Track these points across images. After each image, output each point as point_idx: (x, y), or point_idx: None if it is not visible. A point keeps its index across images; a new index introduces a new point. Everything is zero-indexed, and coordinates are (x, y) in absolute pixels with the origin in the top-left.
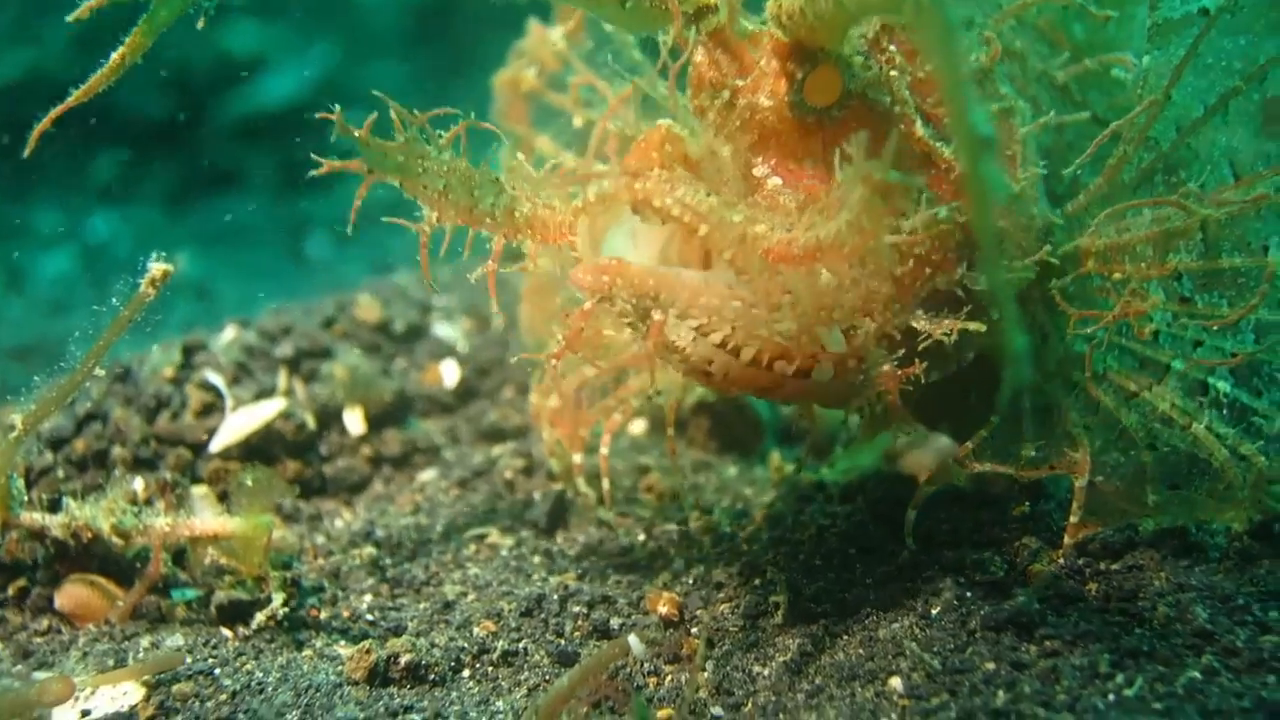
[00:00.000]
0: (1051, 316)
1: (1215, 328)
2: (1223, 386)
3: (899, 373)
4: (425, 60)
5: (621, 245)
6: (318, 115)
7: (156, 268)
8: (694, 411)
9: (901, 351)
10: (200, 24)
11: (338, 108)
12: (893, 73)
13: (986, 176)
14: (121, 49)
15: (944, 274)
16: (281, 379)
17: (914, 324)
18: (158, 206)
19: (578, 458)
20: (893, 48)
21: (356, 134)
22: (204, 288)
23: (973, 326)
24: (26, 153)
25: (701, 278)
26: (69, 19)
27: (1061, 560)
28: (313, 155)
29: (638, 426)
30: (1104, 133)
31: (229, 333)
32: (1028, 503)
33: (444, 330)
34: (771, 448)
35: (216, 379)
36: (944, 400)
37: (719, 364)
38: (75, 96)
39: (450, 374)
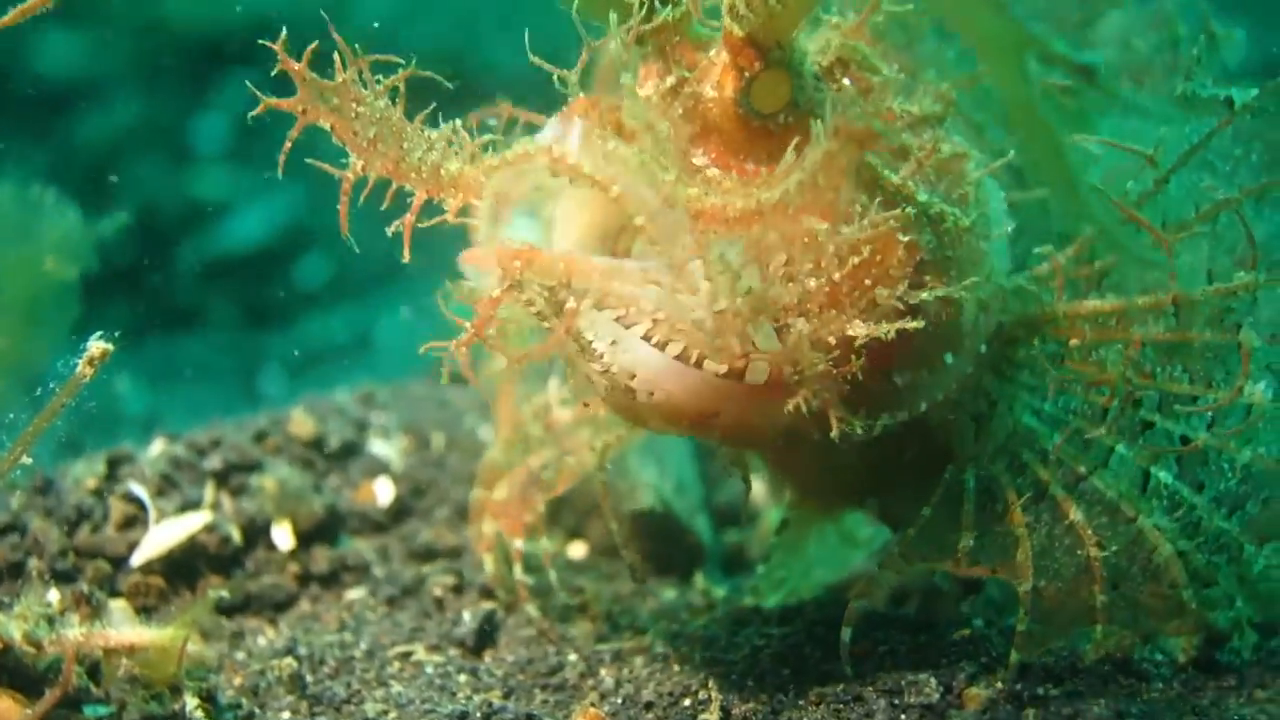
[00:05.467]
0: (999, 384)
1: (1169, 410)
2: (1164, 477)
3: (835, 371)
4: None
5: (524, 229)
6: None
7: (95, 346)
8: (632, 533)
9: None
10: None
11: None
12: None
13: None
14: None
15: (885, 286)
16: (209, 492)
17: (850, 331)
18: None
19: (518, 543)
20: (846, 81)
21: (295, 67)
22: (152, 422)
23: (912, 326)
24: None
25: (616, 263)
26: None
27: (1000, 684)
28: (254, 91)
29: (577, 550)
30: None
31: (157, 445)
32: (968, 626)
33: (380, 448)
34: (713, 571)
35: (140, 491)
36: (874, 468)
37: (643, 376)
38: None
39: (384, 492)
